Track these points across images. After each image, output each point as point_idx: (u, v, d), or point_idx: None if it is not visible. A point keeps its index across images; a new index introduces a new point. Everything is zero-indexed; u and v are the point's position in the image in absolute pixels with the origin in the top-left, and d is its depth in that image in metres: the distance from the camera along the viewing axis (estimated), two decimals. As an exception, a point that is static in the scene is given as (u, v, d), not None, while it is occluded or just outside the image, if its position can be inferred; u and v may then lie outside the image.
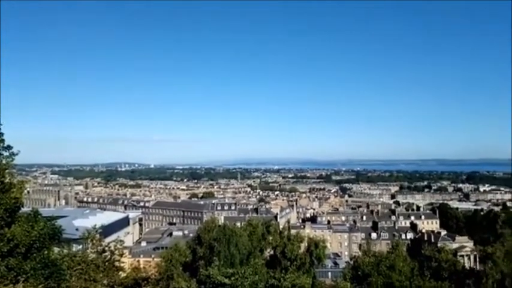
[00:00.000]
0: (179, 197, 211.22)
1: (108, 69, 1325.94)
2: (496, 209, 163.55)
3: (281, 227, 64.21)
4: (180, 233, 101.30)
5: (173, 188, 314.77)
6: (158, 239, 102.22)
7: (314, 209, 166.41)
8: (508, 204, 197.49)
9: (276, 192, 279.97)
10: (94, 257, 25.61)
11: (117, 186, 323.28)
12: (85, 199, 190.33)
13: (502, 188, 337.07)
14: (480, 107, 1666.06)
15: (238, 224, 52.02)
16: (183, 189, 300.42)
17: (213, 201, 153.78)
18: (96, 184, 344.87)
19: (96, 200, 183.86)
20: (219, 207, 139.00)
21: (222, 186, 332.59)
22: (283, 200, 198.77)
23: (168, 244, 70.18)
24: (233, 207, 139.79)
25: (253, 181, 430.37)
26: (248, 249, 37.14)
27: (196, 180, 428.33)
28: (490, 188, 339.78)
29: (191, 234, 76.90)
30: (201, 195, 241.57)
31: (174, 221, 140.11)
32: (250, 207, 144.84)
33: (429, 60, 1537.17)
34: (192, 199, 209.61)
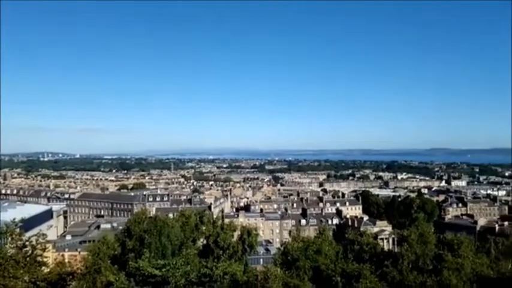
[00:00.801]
0: (107, 189, 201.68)
1: (25, 58, 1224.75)
2: (412, 195, 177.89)
3: (215, 216, 64.47)
4: (109, 226, 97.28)
5: (101, 179, 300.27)
6: (85, 232, 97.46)
7: (248, 198, 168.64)
8: (423, 190, 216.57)
9: (211, 183, 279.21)
10: (13, 253, 23.83)
11: (39, 178, 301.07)
12: (3, 191, 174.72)
13: (417, 176, 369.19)
14: (396, 102, 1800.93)
15: (171, 215, 51.24)
16: (111, 180, 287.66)
17: (144, 193, 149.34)
18: (15, 175, 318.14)
19: (15, 192, 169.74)
20: (150, 199, 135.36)
21: (154, 177, 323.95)
22: (217, 190, 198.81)
23: (95, 237, 67.28)
24: (166, 199, 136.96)
25: (187, 171, 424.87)
26: (180, 240, 36.83)
27: (126, 171, 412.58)
28: (407, 176, 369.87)
29: (120, 227, 74.10)
30: (131, 186, 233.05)
31: (102, 213, 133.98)
32: (183, 198, 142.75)
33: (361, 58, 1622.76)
34: (122, 190, 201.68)
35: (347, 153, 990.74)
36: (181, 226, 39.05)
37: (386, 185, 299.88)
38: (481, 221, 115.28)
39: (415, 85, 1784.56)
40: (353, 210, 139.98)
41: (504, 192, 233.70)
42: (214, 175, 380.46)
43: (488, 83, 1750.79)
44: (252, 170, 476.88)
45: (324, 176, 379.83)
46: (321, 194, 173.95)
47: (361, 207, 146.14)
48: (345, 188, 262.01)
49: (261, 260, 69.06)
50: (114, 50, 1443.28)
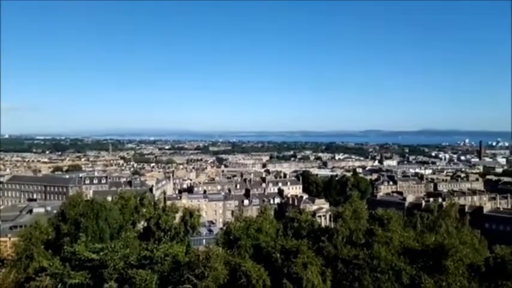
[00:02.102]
0: (40, 171, 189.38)
1: None
2: (348, 174, 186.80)
3: (156, 199, 63.28)
4: (42, 210, 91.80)
5: (33, 161, 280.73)
6: (16, 216, 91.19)
7: (191, 180, 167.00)
8: (358, 170, 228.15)
9: (152, 164, 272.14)
10: None
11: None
12: None
13: (353, 156, 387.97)
14: (332, 86, 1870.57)
15: (110, 198, 49.51)
16: (44, 162, 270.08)
17: (81, 175, 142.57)
18: None
19: None
20: (87, 181, 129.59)
21: (91, 159, 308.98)
22: (159, 171, 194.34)
23: (27, 222, 63.47)
24: (104, 181, 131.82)
25: (127, 153, 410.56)
26: (119, 223, 35.84)
27: (60, 152, 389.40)
28: (343, 157, 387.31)
29: (55, 211, 70.29)
30: (66, 168, 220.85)
31: (35, 196, 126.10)
32: (123, 180, 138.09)
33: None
34: (56, 173, 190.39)
35: (289, 135, 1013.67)
36: (121, 209, 37.94)
37: (325, 165, 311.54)
38: (410, 198, 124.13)
39: (350, 71, 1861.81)
40: (294, 190, 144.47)
41: (430, 171, 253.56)
42: (156, 157, 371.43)
43: (418, 69, 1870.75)
44: (196, 151, 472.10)
45: (267, 157, 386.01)
46: (264, 175, 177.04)
47: (301, 186, 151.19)
48: (287, 168, 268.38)
49: (204, 240, 69.49)
50: (43, 23, 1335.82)
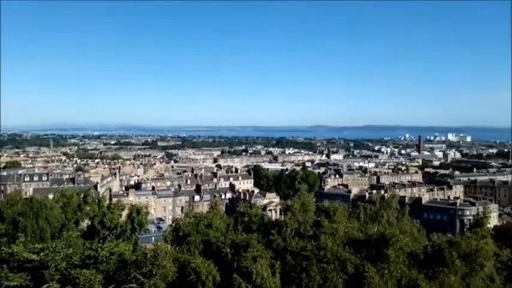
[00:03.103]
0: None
1: None
2: (297, 168, 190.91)
3: (101, 196, 60.85)
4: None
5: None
6: None
7: (139, 176, 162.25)
8: (306, 164, 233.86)
9: (97, 160, 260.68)
10: None
11: None
12: None
13: (302, 151, 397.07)
14: (283, 83, 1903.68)
15: (51, 196, 46.94)
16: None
17: (20, 172, 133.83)
18: None
19: None
20: (27, 179, 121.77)
21: (31, 155, 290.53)
22: (104, 168, 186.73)
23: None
24: (45, 178, 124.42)
25: (69, 149, 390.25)
26: (61, 222, 34.16)
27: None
28: (293, 151, 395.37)
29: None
30: (3, 165, 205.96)
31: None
32: (65, 177, 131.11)
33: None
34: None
35: (240, 130, 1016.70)
36: (62, 207, 36.14)
37: (275, 159, 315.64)
38: (354, 190, 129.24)
39: (299, 70, 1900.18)
40: (245, 184, 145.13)
41: (373, 164, 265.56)
42: (101, 152, 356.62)
43: (362, 68, 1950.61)
44: (144, 146, 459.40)
45: (218, 152, 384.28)
46: (215, 170, 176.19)
47: (252, 181, 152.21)
48: (238, 163, 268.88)
49: (153, 238, 67.82)
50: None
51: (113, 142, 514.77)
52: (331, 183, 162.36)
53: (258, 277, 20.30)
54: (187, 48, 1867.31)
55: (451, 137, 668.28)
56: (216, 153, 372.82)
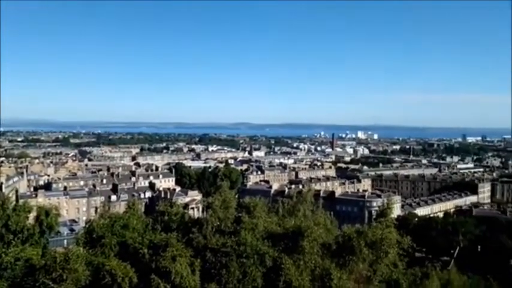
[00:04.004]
0: None
1: None
2: (220, 165, 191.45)
3: (6, 197, 55.13)
4: None
5: None
6: None
7: (49, 176, 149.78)
8: (229, 161, 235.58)
9: (1, 159, 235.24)
10: None
11: None
12: None
13: (225, 148, 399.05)
14: (205, 79, 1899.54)
15: None
16: None
17: None
18: None
19: None
20: None
21: None
22: (10, 167, 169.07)
23: None
24: None
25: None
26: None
27: None
28: (216, 148, 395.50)
29: None
30: None
31: None
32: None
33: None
34: None
35: (161, 127, 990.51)
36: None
37: (198, 156, 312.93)
38: (275, 186, 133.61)
39: (224, 66, 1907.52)
40: (166, 183, 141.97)
41: (292, 161, 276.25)
42: (6, 150, 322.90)
43: (282, 66, 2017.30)
44: (54, 144, 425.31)
45: (137, 150, 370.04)
46: (133, 168, 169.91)
47: (174, 179, 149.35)
48: (159, 161, 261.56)
49: (65, 241, 63.59)
50: None
51: (19, 139, 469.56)
52: (253, 179, 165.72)
53: (177, 276, 20.09)
54: (105, 42, 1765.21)
55: (360, 134, 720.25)
56: (135, 150, 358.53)
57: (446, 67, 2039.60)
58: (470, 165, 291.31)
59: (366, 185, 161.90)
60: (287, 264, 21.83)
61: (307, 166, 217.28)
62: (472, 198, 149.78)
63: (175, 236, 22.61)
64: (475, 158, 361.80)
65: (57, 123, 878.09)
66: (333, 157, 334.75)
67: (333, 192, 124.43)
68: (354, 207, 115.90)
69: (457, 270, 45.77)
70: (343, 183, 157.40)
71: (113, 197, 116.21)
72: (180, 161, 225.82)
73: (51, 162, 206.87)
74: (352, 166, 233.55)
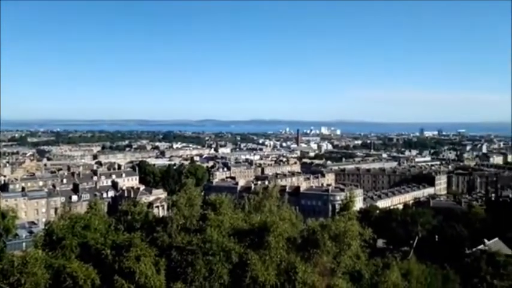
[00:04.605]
0: None
1: None
2: (186, 163, 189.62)
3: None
4: None
5: None
6: None
7: (5, 176, 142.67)
8: (195, 158, 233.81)
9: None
10: None
11: None
12: None
13: (190, 145, 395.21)
14: (168, 75, 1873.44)
15: None
16: None
17: None
18: None
19: None
20: None
21: None
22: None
23: None
24: None
25: None
26: None
27: None
28: (181, 146, 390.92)
29: None
30: None
31: None
32: None
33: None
34: None
35: (123, 124, 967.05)
36: None
37: (162, 154, 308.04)
38: (241, 182, 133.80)
39: (188, 63, 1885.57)
40: (130, 182, 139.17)
41: (258, 157, 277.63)
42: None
43: (248, 66, 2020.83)
44: (10, 143, 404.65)
45: (99, 148, 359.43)
46: (95, 167, 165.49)
47: (137, 177, 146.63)
48: (122, 159, 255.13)
49: (24, 244, 61.32)
50: None
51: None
52: (219, 176, 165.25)
53: (142, 276, 19.79)
54: (64, 39, 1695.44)
55: (324, 130, 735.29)
56: (96, 149, 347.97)
57: (404, 65, 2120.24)
58: (428, 158, 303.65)
59: (329, 179, 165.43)
60: (253, 259, 22.00)
61: (273, 162, 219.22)
62: (430, 190, 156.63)
63: (139, 236, 22.21)
64: (432, 151, 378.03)
65: (12, 121, 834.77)
66: (298, 153, 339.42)
67: (298, 187, 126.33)
68: (319, 201, 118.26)
69: (416, 259, 47.68)
70: (308, 178, 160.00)
71: (74, 197, 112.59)
72: (144, 159, 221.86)
73: (8, 162, 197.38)
74: (316, 161, 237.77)
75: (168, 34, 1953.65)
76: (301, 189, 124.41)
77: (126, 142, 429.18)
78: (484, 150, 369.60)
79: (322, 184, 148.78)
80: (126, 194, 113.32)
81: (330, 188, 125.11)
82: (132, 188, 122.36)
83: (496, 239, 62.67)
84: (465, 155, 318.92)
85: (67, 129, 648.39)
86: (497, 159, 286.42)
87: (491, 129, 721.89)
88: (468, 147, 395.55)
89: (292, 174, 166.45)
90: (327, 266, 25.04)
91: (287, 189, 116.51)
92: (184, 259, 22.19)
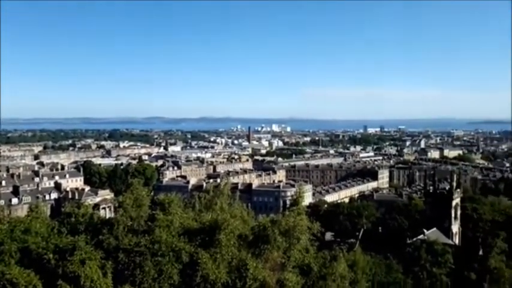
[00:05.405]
0: None
1: None
2: (134, 162, 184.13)
3: None
4: None
5: None
6: None
7: None
8: (143, 157, 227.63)
9: None
10: None
11: None
12: None
13: (138, 144, 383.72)
14: (111, 69, 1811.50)
15: None
16: None
17: None
18: None
19: None
20: None
21: None
22: None
23: None
24: None
25: None
26: None
27: None
28: (128, 144, 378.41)
29: None
30: None
31: None
32: None
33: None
34: None
35: (67, 122, 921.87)
36: None
37: (108, 153, 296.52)
38: (192, 181, 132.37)
39: (130, 58, 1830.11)
40: (74, 182, 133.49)
41: (210, 155, 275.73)
42: None
43: (194, 63, 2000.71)
44: None
45: (40, 148, 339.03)
46: (36, 168, 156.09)
47: (82, 178, 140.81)
48: (65, 159, 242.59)
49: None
50: None
51: None
52: (169, 175, 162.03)
53: (87, 280, 19.10)
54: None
55: (275, 127, 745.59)
56: (37, 148, 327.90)
57: (348, 64, 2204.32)
58: (371, 154, 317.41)
59: (280, 175, 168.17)
60: (204, 258, 21.93)
61: (224, 160, 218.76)
62: (373, 184, 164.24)
63: (83, 239, 21.42)
64: (375, 147, 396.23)
65: None
66: (250, 150, 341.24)
67: (250, 185, 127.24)
68: (270, 197, 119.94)
69: (361, 250, 49.81)
70: (260, 175, 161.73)
71: (14, 200, 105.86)
72: (89, 159, 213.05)
73: None
74: (268, 158, 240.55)
75: (110, 30, 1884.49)
76: (253, 186, 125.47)
77: (70, 141, 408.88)
78: (422, 145, 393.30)
79: (273, 181, 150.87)
80: (70, 196, 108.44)
81: (281, 184, 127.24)
82: (77, 189, 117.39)
83: (434, 229, 66.81)
84: (405, 150, 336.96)
85: (5, 128, 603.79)
86: (435, 154, 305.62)
87: (429, 125, 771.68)
88: (408, 143, 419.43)
89: (244, 171, 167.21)
90: (277, 261, 25.52)
91: (239, 187, 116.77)
92: (132, 261, 21.68)
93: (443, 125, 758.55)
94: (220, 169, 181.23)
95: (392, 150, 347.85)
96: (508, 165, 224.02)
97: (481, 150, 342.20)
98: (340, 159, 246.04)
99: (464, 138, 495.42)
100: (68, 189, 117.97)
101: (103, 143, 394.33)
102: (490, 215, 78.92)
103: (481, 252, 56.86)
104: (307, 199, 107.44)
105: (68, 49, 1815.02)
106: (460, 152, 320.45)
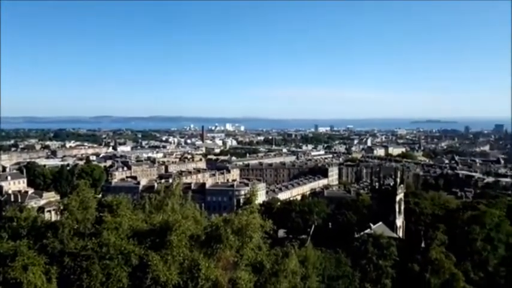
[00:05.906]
0: None
1: None
2: (81, 163, 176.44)
3: None
4: None
5: None
6: None
7: None
8: (91, 157, 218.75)
9: None
10: None
11: None
12: None
13: (86, 144, 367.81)
14: (66, 61, 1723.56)
15: None
16: None
17: None
18: None
19: None
20: None
21: None
22: None
23: None
24: None
25: None
26: None
27: None
28: (75, 144, 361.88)
29: None
30: None
31: None
32: None
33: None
34: None
35: (8, 121, 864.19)
36: None
37: (54, 154, 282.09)
38: (143, 181, 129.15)
39: (76, 54, 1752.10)
40: (16, 185, 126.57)
41: (161, 155, 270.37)
42: None
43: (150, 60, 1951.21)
44: None
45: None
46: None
47: (26, 180, 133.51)
48: (7, 160, 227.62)
49: None
50: None
51: None
52: (119, 176, 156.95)
53: (30, 286, 18.28)
54: None
55: (228, 126, 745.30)
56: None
57: (298, 65, 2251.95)
58: (322, 152, 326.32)
59: (234, 174, 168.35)
60: (154, 260, 21.64)
61: (177, 159, 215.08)
62: (324, 181, 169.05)
63: (26, 243, 20.42)
64: (325, 145, 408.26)
65: None
66: (203, 149, 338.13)
67: (203, 184, 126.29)
68: (224, 197, 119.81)
69: (312, 246, 51.17)
70: (214, 175, 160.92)
71: None
72: (33, 160, 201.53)
73: None
74: (221, 157, 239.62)
75: (67, 28, 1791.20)
76: (207, 186, 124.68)
77: (12, 141, 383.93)
78: (369, 143, 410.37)
79: (227, 180, 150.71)
80: (12, 199, 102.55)
81: (235, 183, 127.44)
82: (20, 191, 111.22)
83: (380, 223, 69.79)
84: (353, 148, 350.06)
85: None
86: (380, 152, 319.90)
87: (375, 124, 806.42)
88: (355, 141, 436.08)
89: (198, 171, 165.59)
90: (230, 260, 25.67)
91: (192, 187, 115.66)
92: (79, 265, 20.96)
93: (388, 124, 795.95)
94: (173, 169, 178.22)
95: (342, 149, 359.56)
96: (447, 162, 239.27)
97: (422, 148, 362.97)
98: (292, 158, 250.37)
99: (407, 137, 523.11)
100: (9, 191, 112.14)
101: (48, 143, 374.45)
102: (431, 209, 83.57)
103: (423, 245, 60.07)
104: (261, 197, 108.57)
105: (5, 44, 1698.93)
106: (404, 149, 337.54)
